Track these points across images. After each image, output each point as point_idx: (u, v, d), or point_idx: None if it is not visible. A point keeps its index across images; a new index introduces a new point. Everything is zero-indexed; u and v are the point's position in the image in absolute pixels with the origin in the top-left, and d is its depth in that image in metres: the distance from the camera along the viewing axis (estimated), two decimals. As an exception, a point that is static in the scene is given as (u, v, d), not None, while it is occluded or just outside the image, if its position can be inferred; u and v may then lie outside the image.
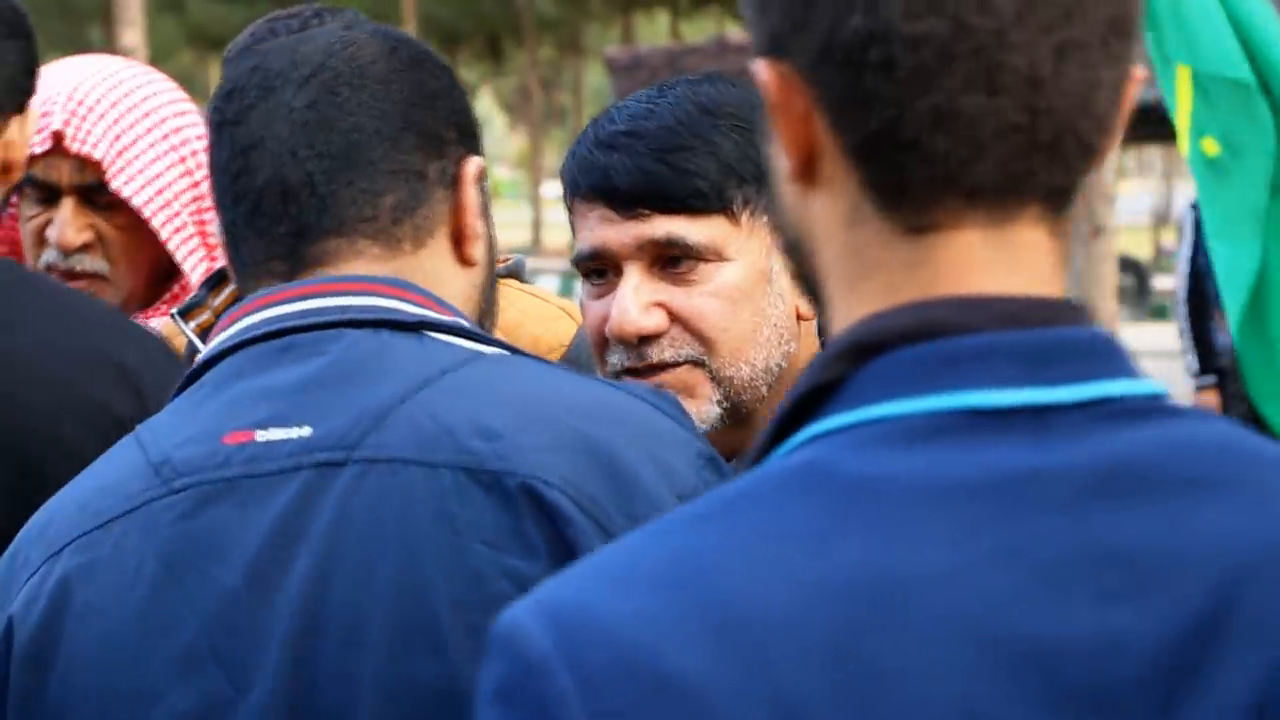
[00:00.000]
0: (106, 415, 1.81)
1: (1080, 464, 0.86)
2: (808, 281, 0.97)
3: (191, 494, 1.29)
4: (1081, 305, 0.92)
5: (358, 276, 1.35)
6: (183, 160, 2.35)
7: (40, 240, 2.30)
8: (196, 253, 2.34)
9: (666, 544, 0.87)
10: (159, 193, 2.31)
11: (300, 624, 1.25)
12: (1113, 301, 7.26)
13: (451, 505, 1.24)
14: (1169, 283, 23.71)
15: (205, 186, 2.35)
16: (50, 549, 1.33)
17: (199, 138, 2.38)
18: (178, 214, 2.33)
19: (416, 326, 1.33)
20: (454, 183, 1.41)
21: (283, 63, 1.40)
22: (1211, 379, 6.52)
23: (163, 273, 2.37)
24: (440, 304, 1.36)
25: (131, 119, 2.32)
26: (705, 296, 1.68)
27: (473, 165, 1.42)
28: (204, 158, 2.34)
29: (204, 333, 2.11)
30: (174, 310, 2.14)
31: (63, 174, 2.28)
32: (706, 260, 1.68)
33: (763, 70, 0.94)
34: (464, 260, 1.41)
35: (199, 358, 1.38)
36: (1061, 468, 0.86)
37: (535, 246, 35.61)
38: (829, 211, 0.93)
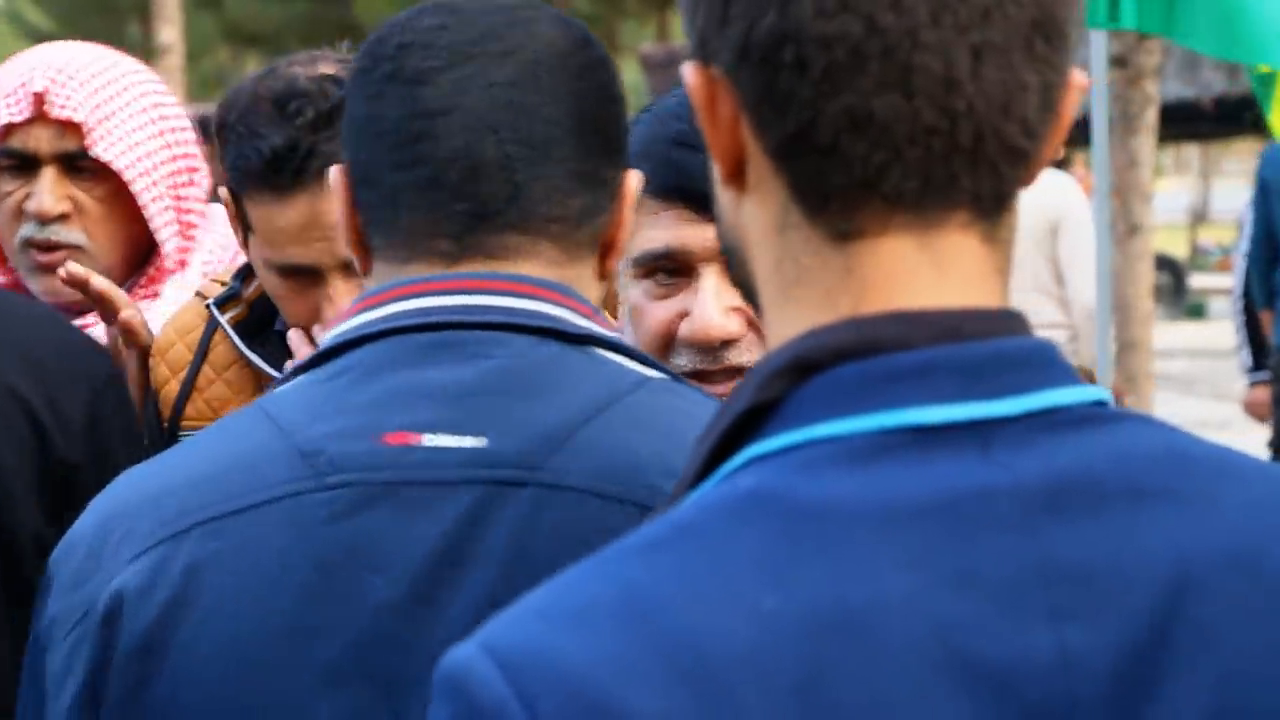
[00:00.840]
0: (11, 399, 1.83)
1: (1028, 479, 0.86)
2: (745, 287, 0.96)
3: (347, 493, 1.20)
4: (1019, 314, 0.92)
5: (528, 278, 1.26)
6: (162, 134, 2.34)
7: (18, 215, 2.27)
8: (171, 226, 2.33)
9: (618, 578, 0.85)
10: (139, 159, 2.30)
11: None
12: (1149, 300, 7.22)
13: None
14: (1205, 281, 23.60)
15: (184, 164, 2.36)
16: (169, 526, 1.21)
17: (178, 117, 2.37)
18: (157, 184, 2.31)
19: (582, 340, 1.26)
20: (619, 193, 1.34)
21: (476, 30, 1.30)
22: (1264, 375, 6.50)
23: (140, 254, 2.35)
24: (599, 315, 1.30)
25: (113, 90, 2.31)
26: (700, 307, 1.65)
27: (635, 178, 1.36)
28: (184, 136, 2.35)
29: (238, 324, 2.12)
30: (210, 301, 2.14)
31: (42, 142, 2.26)
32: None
33: (690, 73, 0.93)
34: (604, 274, 1.35)
35: (331, 339, 1.28)
36: (1010, 484, 0.86)
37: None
38: (760, 217, 0.93)
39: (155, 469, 1.30)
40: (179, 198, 2.34)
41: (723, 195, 0.96)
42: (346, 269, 1.96)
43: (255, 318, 2.14)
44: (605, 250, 1.34)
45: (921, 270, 0.89)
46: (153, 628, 1.20)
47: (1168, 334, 15.83)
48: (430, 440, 1.21)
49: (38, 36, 27.05)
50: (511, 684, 0.81)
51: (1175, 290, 21.75)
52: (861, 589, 0.83)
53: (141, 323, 2.15)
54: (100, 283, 2.10)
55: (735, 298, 1.62)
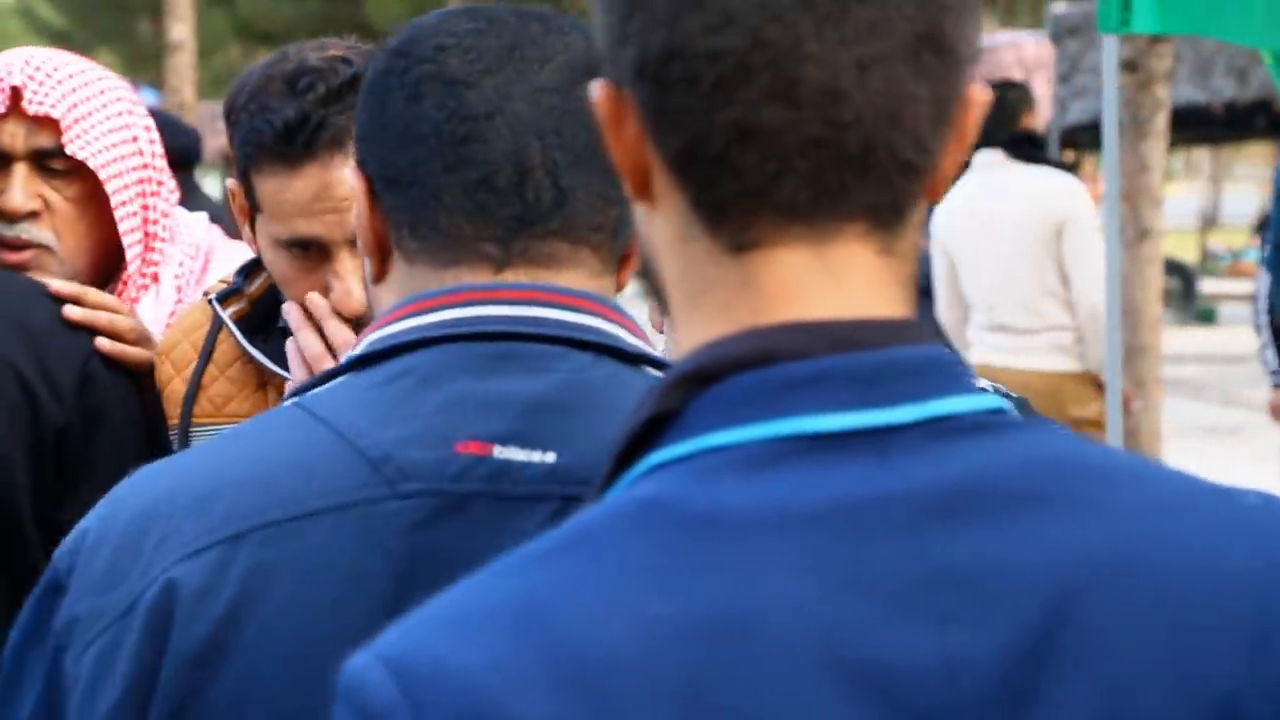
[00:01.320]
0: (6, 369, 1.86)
1: (921, 485, 0.87)
2: (658, 297, 0.98)
3: (421, 503, 1.18)
4: (916, 322, 0.93)
5: (576, 291, 1.25)
6: (135, 140, 2.32)
7: None
8: (136, 233, 2.32)
9: (508, 585, 0.87)
10: (114, 161, 2.28)
11: None
12: (1158, 305, 7.21)
13: None
14: (1215, 286, 23.58)
15: (153, 174, 2.34)
16: (223, 529, 1.18)
17: (147, 128, 2.36)
18: (127, 187, 2.30)
19: (636, 359, 1.26)
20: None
21: (515, 35, 1.29)
22: None
23: (108, 261, 2.33)
24: (645, 335, 1.29)
25: (88, 92, 2.30)
26: None
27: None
28: (154, 147, 2.34)
29: (240, 321, 2.12)
30: (212, 296, 2.14)
31: (16, 138, 2.24)
32: None
33: (596, 90, 0.95)
34: (621, 284, 1.34)
35: (378, 341, 1.25)
36: (902, 490, 0.87)
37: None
38: (665, 229, 0.95)
39: (189, 467, 1.27)
40: (145, 206, 2.33)
41: (636, 210, 0.98)
42: (354, 245, 1.95)
43: (258, 314, 2.14)
44: (624, 262, 1.33)
45: (817, 281, 0.91)
46: (216, 629, 1.17)
47: (1177, 339, 15.82)
48: (500, 452, 1.19)
49: (49, 33, 27.08)
50: (401, 689, 0.83)
51: (1185, 295, 21.73)
52: (749, 594, 0.84)
53: (137, 330, 2.15)
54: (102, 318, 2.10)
55: None
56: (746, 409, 0.88)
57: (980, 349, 6.20)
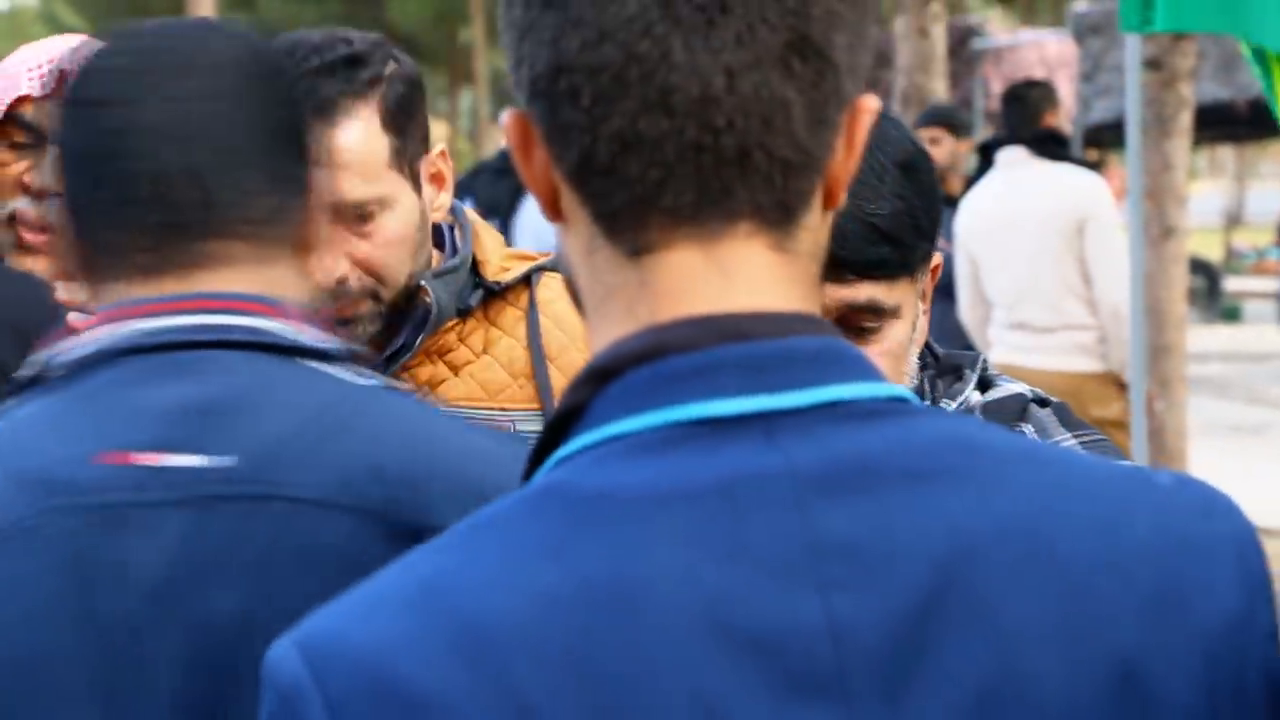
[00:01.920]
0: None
1: (805, 463, 0.92)
2: (578, 307, 1.03)
3: (78, 516, 1.22)
4: (813, 316, 0.98)
5: (236, 295, 1.31)
6: None
7: (11, 189, 2.28)
8: None
9: (413, 570, 0.93)
10: None
11: (199, 664, 1.22)
12: (1183, 304, 7.19)
13: (358, 550, 1.21)
14: (1240, 284, 23.49)
15: None
16: None
17: None
18: None
19: (294, 351, 1.31)
20: (309, 192, 1.39)
21: (150, 49, 1.36)
22: None
23: None
24: (310, 325, 1.35)
25: None
26: (881, 356, 1.67)
27: (320, 176, 1.41)
28: None
29: None
30: None
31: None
32: (888, 319, 1.68)
33: (506, 117, 1.01)
34: (308, 269, 1.40)
35: (62, 353, 1.32)
36: (787, 468, 0.91)
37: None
38: (574, 243, 1.00)
39: None
40: None
41: (556, 228, 1.03)
42: (331, 213, 1.98)
43: None
44: (303, 247, 1.38)
45: (709, 278, 0.96)
46: None
47: (1202, 338, 15.77)
48: (148, 459, 1.23)
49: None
50: (309, 667, 0.90)
51: (1210, 293, 21.65)
52: (634, 565, 0.89)
53: None
54: None
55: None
56: (640, 399, 0.94)
57: (1001, 348, 6.19)
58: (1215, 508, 0.98)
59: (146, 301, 1.30)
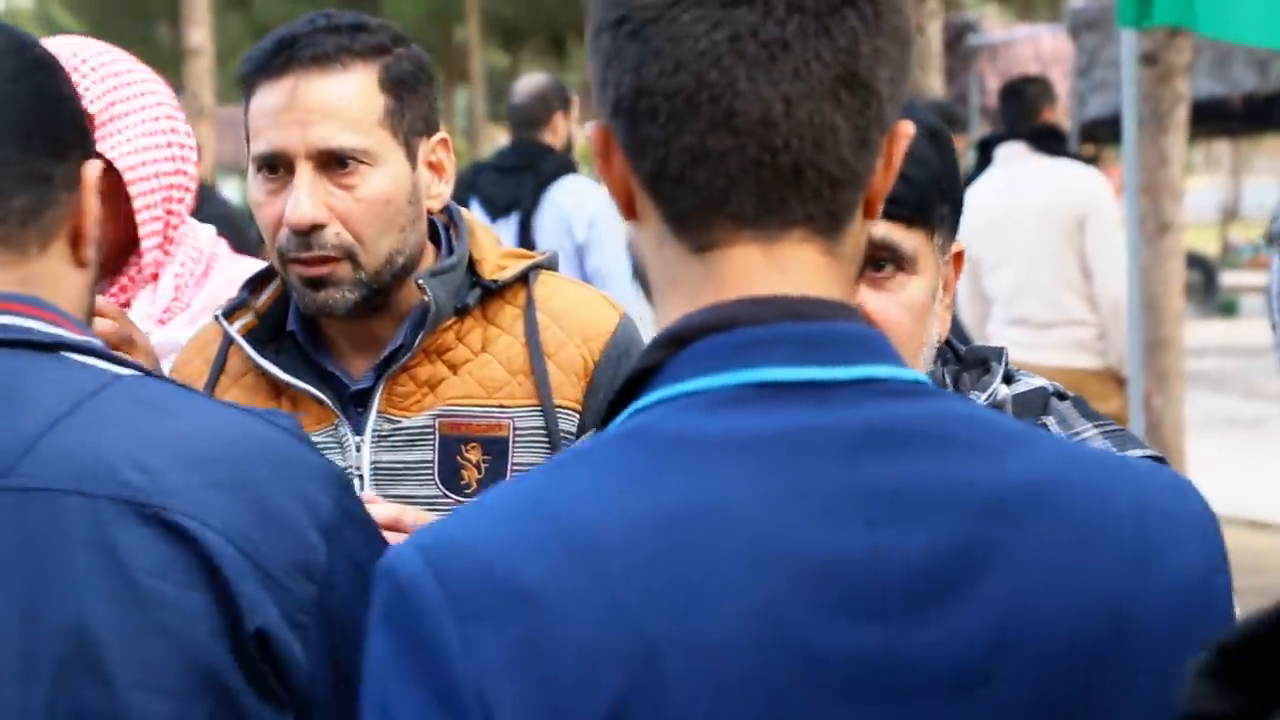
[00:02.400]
0: None
1: (852, 425, 1.08)
2: (647, 292, 1.19)
3: None
4: (854, 307, 1.14)
5: None
6: (170, 145, 2.33)
7: None
8: (156, 237, 2.32)
9: (515, 492, 1.09)
10: (142, 164, 2.28)
11: None
12: (1180, 298, 7.18)
13: (112, 536, 1.24)
14: (1237, 279, 23.50)
15: (183, 180, 2.34)
16: None
17: (186, 134, 2.37)
18: (154, 191, 2.30)
19: (53, 347, 1.33)
20: (75, 185, 1.39)
21: None
22: None
23: (115, 255, 2.33)
24: (70, 320, 1.37)
25: (129, 92, 2.31)
26: (898, 307, 1.69)
27: (92, 169, 1.41)
28: (188, 153, 2.36)
29: (248, 333, 2.13)
30: (216, 312, 2.14)
31: None
32: (905, 271, 1.69)
33: (590, 130, 1.16)
34: (80, 262, 1.41)
35: None
36: (837, 427, 1.08)
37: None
38: (647, 240, 1.16)
39: None
40: (170, 211, 2.34)
41: (627, 226, 1.18)
42: (316, 161, 2.01)
43: (266, 326, 2.15)
44: (74, 239, 1.40)
45: (768, 272, 1.11)
46: None
47: (1199, 332, 15.77)
48: None
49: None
50: (430, 565, 1.04)
51: (1206, 288, 21.67)
52: (708, 495, 1.05)
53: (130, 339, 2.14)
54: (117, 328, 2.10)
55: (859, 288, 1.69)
56: (713, 362, 1.09)
57: (1000, 344, 6.17)
58: (1185, 489, 1.17)
59: None
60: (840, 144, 1.10)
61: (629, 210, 1.16)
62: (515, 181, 6.02)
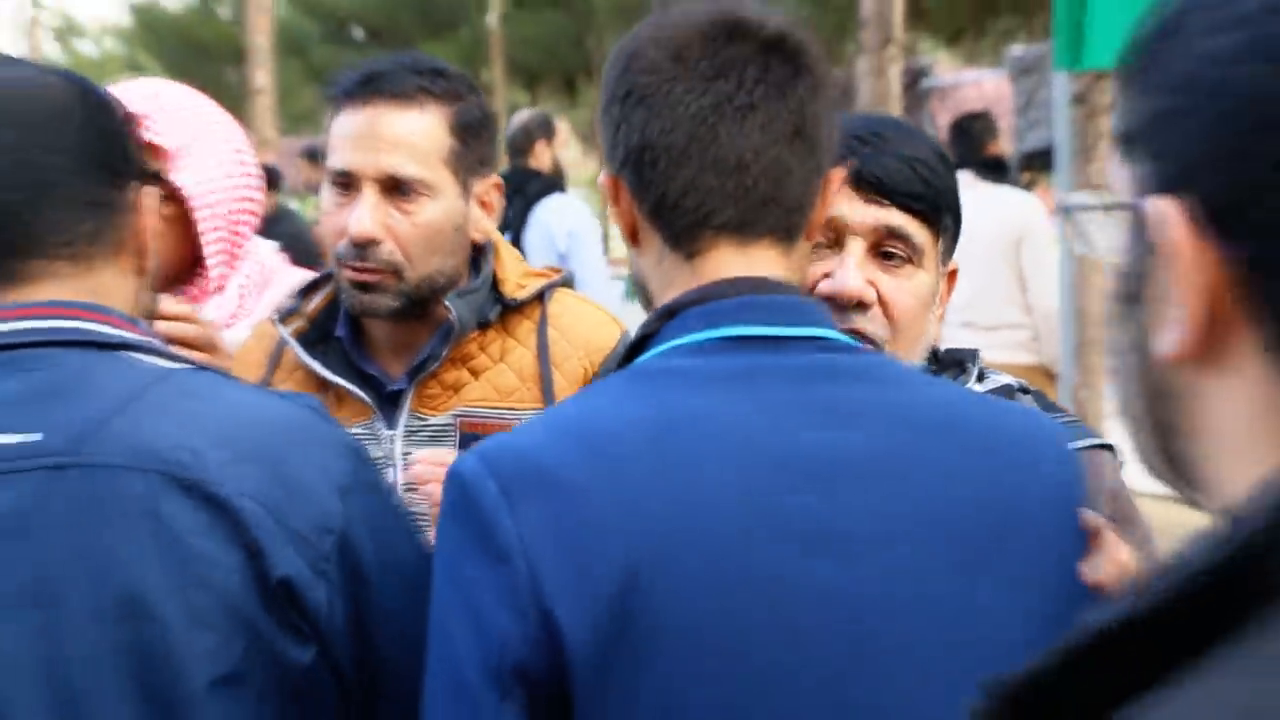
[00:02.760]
0: None
1: (801, 363, 1.25)
2: (645, 300, 1.35)
3: None
4: (798, 287, 1.30)
5: (60, 302, 1.38)
6: (236, 175, 2.30)
7: None
8: (219, 256, 2.30)
9: (553, 412, 1.26)
10: (209, 192, 2.26)
11: (43, 594, 1.28)
12: (1104, 305, 7.17)
13: (162, 505, 1.29)
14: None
15: (247, 205, 2.33)
16: None
17: (251, 162, 2.35)
18: (218, 215, 2.28)
19: (116, 346, 1.38)
20: (133, 209, 1.45)
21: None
22: None
23: (186, 268, 2.31)
24: (132, 323, 1.42)
25: (201, 129, 2.28)
26: (906, 292, 1.67)
27: (149, 194, 1.47)
28: (254, 181, 2.35)
29: (299, 335, 2.12)
30: (273, 315, 2.13)
31: None
32: (914, 263, 1.67)
33: (603, 179, 1.33)
34: (140, 272, 1.47)
35: None
36: (789, 364, 1.24)
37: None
38: (648, 260, 1.32)
39: None
40: (235, 232, 2.32)
41: (630, 252, 1.34)
42: (382, 185, 1.99)
43: (315, 329, 2.13)
44: (136, 253, 1.45)
45: (739, 264, 1.28)
46: None
47: (1119, 334, 15.69)
48: None
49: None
50: (486, 465, 1.19)
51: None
52: (689, 406, 1.20)
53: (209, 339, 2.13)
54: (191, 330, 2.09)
55: (872, 273, 1.67)
56: (694, 324, 1.26)
57: (955, 345, 6.16)
58: (1058, 431, 1.32)
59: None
60: (794, 181, 1.27)
61: (633, 239, 1.32)
62: (507, 204, 6.04)
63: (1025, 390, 1.88)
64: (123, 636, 1.27)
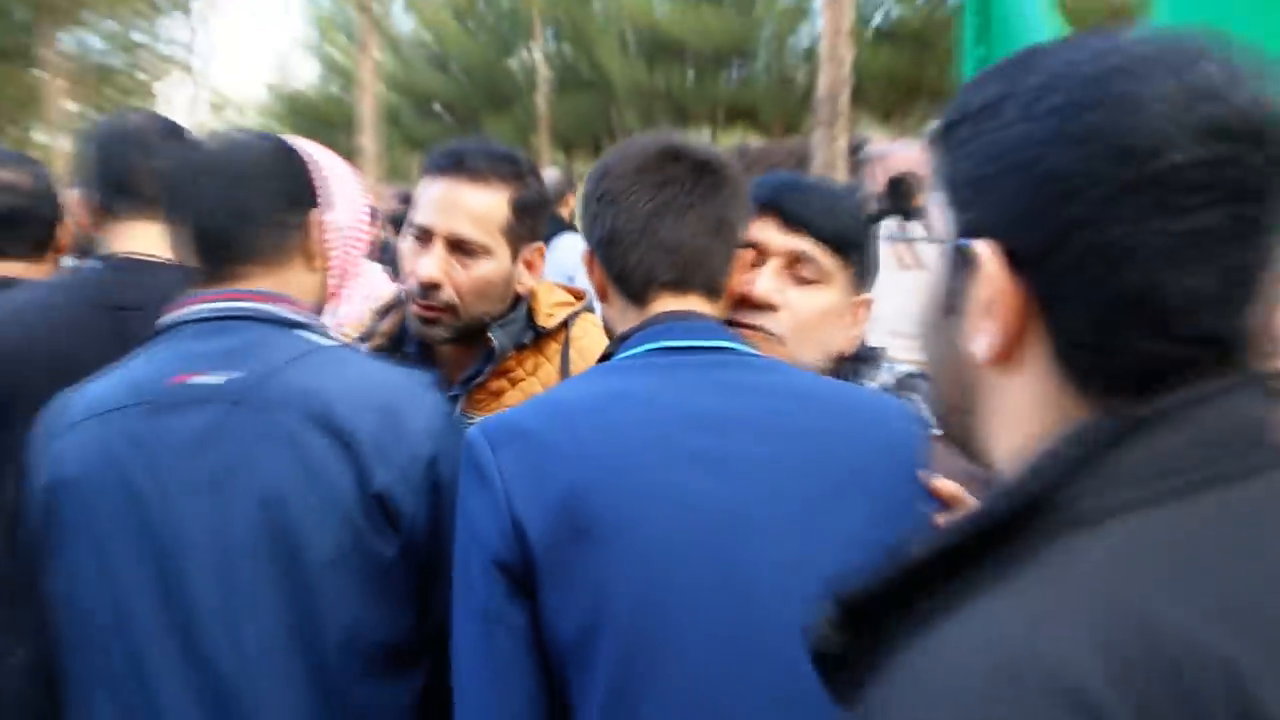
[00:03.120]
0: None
1: (707, 359, 1.30)
2: (610, 336, 1.42)
3: (147, 407, 1.43)
4: (718, 319, 1.37)
5: (259, 290, 1.51)
6: (361, 212, 2.28)
7: None
8: (336, 273, 2.28)
9: (537, 396, 1.30)
10: (334, 225, 2.25)
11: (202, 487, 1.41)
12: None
13: (303, 438, 1.40)
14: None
15: (360, 234, 2.32)
16: (56, 429, 1.45)
17: (367, 204, 2.33)
18: (338, 243, 2.27)
19: (291, 324, 1.50)
20: (307, 225, 1.58)
21: (215, 156, 1.54)
22: None
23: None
24: (305, 307, 1.54)
25: (329, 177, 2.26)
26: (810, 304, 1.63)
27: (316, 214, 1.59)
28: (366, 217, 2.32)
29: (377, 350, 2.10)
30: (358, 336, 2.12)
31: None
32: (820, 282, 1.63)
33: (582, 253, 1.42)
34: (314, 269, 1.59)
35: (164, 321, 1.51)
36: (699, 359, 1.30)
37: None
38: (613, 311, 1.40)
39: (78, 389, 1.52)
40: (348, 255, 2.30)
41: (600, 305, 1.42)
42: (449, 242, 1.97)
43: (390, 346, 2.12)
44: (309, 257, 1.58)
45: (674, 306, 1.36)
46: (43, 505, 1.44)
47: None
48: (197, 379, 1.43)
49: (281, 141, 26.96)
50: (484, 433, 1.26)
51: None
52: (626, 385, 1.27)
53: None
54: None
55: (783, 285, 1.64)
56: (637, 341, 1.33)
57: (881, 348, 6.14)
58: (905, 405, 1.32)
59: (203, 295, 1.51)
60: (715, 258, 1.36)
61: (603, 296, 1.40)
62: None
63: (924, 376, 1.82)
64: (266, 520, 1.38)
